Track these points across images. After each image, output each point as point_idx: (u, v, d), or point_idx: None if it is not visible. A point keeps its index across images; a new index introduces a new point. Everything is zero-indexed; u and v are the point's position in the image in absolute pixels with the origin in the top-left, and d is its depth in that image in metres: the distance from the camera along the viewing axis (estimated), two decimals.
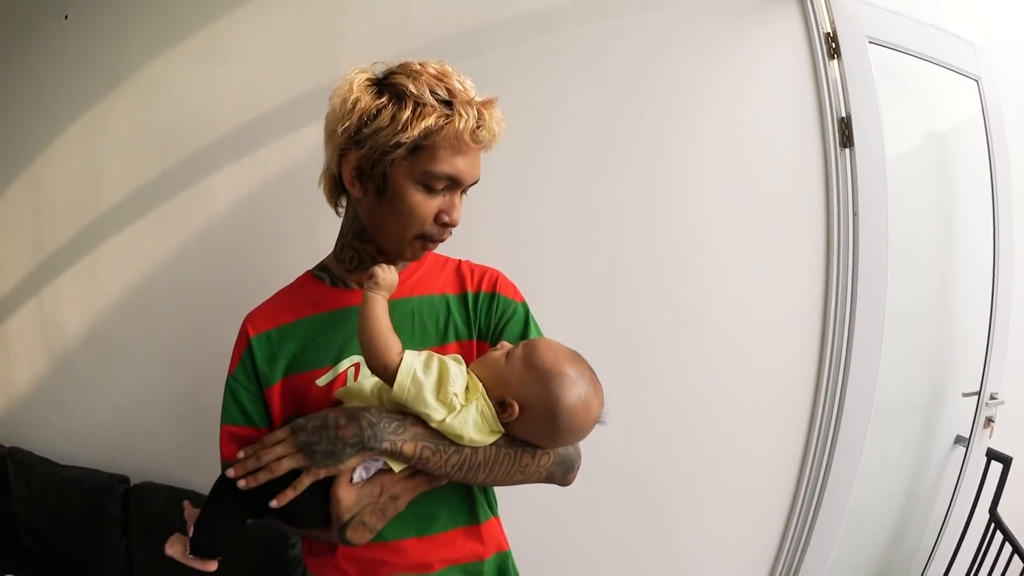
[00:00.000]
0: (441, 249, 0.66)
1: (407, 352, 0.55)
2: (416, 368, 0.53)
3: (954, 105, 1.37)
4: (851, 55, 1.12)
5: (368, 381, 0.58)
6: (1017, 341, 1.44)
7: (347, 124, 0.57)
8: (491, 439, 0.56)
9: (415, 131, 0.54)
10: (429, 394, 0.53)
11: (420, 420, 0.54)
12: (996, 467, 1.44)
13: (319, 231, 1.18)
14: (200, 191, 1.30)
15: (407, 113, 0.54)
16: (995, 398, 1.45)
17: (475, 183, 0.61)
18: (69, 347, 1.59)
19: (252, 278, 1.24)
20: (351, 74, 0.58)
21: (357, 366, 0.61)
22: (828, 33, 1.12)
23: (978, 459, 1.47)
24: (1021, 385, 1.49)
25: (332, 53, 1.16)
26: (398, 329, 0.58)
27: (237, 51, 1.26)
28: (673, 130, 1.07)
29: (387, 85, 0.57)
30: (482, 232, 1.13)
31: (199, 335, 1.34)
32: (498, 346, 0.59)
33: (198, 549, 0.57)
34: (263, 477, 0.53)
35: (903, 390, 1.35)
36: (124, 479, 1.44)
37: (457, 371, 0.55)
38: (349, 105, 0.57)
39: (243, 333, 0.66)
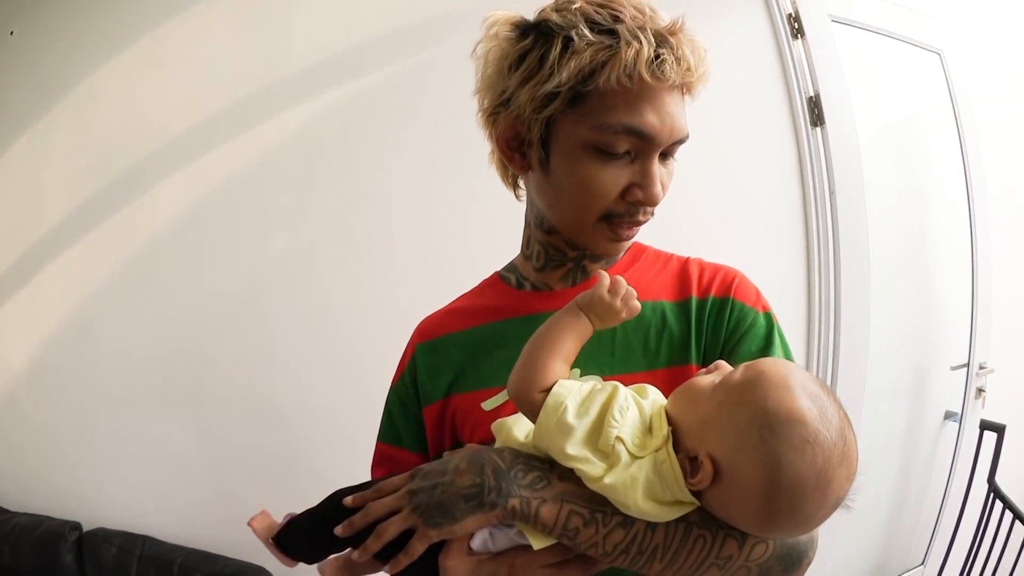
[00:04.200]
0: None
1: (563, 381, 0.41)
2: (568, 404, 0.39)
3: (919, 82, 1.46)
4: (815, 34, 1.19)
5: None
6: (1000, 310, 1.53)
7: (488, 80, 0.47)
8: (673, 513, 0.39)
9: (565, 73, 0.42)
10: (576, 442, 0.38)
11: (574, 473, 0.40)
12: (990, 437, 1.51)
13: (270, 241, 1.19)
14: (141, 207, 1.27)
15: (555, 52, 0.43)
16: (984, 367, 1.52)
17: (681, 142, 0.46)
18: (14, 383, 1.55)
19: (196, 300, 1.23)
20: (487, 19, 0.47)
21: None
22: (790, 14, 1.19)
23: (972, 431, 1.54)
24: (1008, 353, 1.58)
25: (279, 52, 1.17)
26: (595, 347, 0.46)
27: (178, 55, 1.25)
28: None
29: (533, 26, 0.46)
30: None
31: (144, 365, 1.30)
32: (711, 367, 0.43)
33: (280, 544, 0.49)
34: (372, 546, 0.41)
35: (887, 372, 1.40)
36: (76, 525, 1.40)
37: (629, 405, 0.40)
38: (486, 56, 0.47)
39: (411, 341, 0.58)
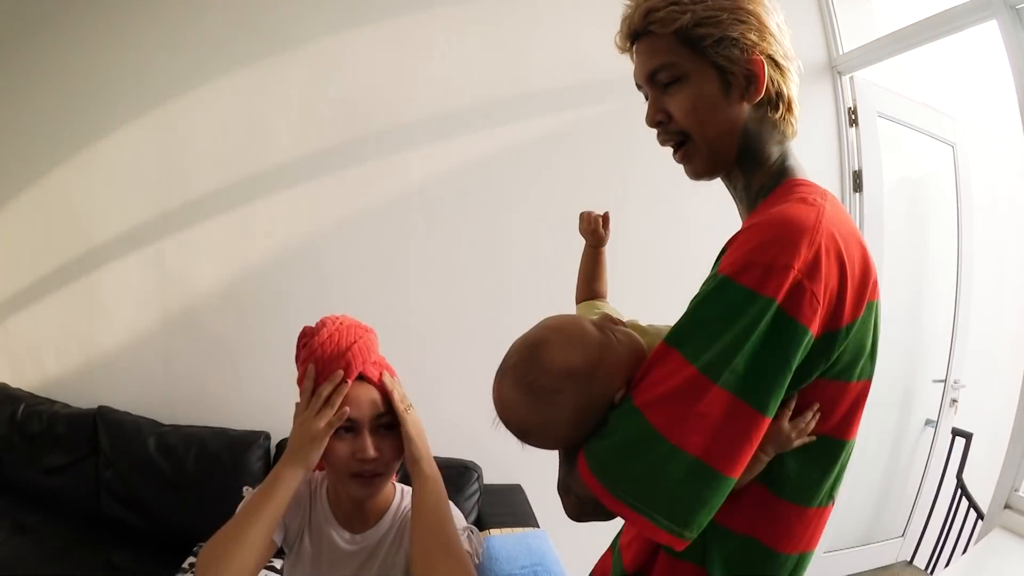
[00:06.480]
0: None
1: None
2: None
3: (933, 163, 2.02)
4: (865, 124, 1.74)
5: None
6: (974, 334, 2.03)
7: None
8: None
9: None
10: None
11: None
12: (960, 442, 1.96)
13: (511, 219, 1.61)
14: (393, 165, 1.57)
15: None
16: (958, 383, 2.05)
17: (655, 73, 0.52)
18: (193, 303, 1.62)
19: (430, 259, 1.62)
20: None
21: None
22: (850, 107, 1.74)
23: (945, 436, 2.02)
24: (976, 371, 2.07)
25: (523, 72, 1.64)
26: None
27: (433, 46, 1.60)
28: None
29: None
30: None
31: (370, 303, 1.55)
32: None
33: None
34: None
35: (881, 385, 1.78)
36: (267, 435, 1.51)
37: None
38: None
39: None
